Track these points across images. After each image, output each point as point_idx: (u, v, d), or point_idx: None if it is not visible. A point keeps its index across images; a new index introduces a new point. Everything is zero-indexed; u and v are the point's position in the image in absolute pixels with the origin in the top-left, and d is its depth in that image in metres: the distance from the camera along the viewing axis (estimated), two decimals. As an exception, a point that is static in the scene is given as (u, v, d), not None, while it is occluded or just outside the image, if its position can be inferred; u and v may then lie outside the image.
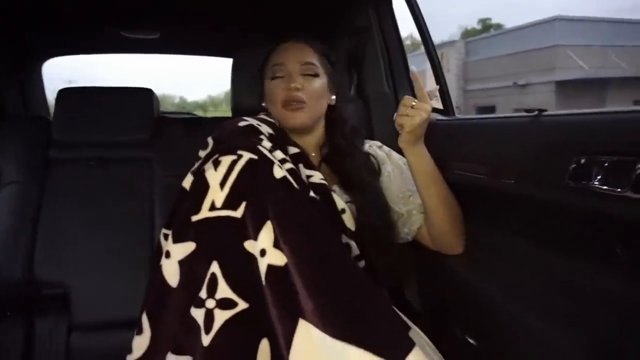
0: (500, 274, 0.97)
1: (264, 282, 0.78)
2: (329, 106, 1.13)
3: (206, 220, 0.82)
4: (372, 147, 1.17)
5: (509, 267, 0.98)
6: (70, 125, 1.51)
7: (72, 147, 1.51)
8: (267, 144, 0.94)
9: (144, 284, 0.92)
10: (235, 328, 0.77)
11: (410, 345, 0.73)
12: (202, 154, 0.97)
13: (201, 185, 0.85)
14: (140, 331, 0.86)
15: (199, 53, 2.29)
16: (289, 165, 0.93)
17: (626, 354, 0.67)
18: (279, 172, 0.85)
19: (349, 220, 1.01)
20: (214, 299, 0.78)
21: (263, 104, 1.13)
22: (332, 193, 1.02)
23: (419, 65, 1.57)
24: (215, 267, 0.79)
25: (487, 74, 13.27)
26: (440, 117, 1.38)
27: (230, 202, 0.82)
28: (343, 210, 1.01)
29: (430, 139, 1.03)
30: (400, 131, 0.99)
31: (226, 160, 0.85)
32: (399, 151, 1.08)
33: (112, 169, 1.50)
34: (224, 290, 0.78)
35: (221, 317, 0.77)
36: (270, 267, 0.78)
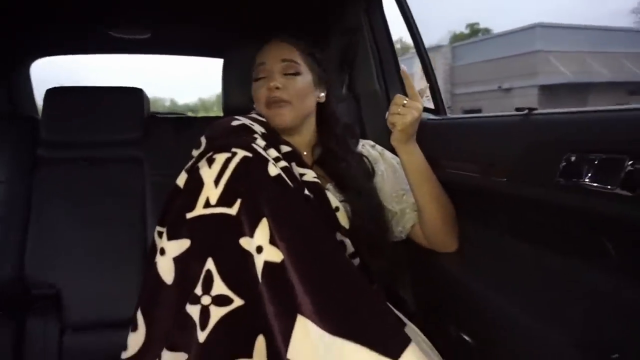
0: (493, 272, 0.98)
1: (260, 279, 0.78)
2: (320, 104, 1.12)
3: (201, 217, 0.82)
4: (365, 146, 1.18)
5: (501, 265, 0.99)
6: (59, 124, 1.49)
7: (61, 147, 1.50)
8: (261, 142, 0.94)
9: (135, 283, 0.91)
10: (230, 324, 0.77)
11: (406, 341, 0.73)
12: (195, 152, 0.97)
13: (195, 183, 0.85)
14: (135, 328, 0.85)
15: (190, 53, 2.27)
16: (283, 163, 0.94)
17: (617, 350, 0.68)
18: (273, 170, 0.86)
19: (343, 218, 1.02)
20: (210, 295, 0.78)
21: (255, 105, 1.12)
22: (326, 191, 1.02)
23: (408, 69, 1.58)
24: (210, 264, 0.79)
25: (472, 78, 13.47)
26: (431, 116, 1.39)
27: (225, 199, 0.82)
28: (337, 209, 1.01)
29: (421, 138, 1.03)
30: (392, 129, 0.99)
31: (220, 157, 0.85)
32: (392, 150, 1.08)
33: (102, 169, 1.49)
34: (219, 287, 0.78)
35: (217, 313, 0.77)
36: (267, 264, 0.78)
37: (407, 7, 1.43)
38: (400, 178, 1.11)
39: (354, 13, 1.56)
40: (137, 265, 1.37)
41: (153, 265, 0.85)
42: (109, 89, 1.62)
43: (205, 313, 0.78)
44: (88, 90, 1.59)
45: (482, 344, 0.93)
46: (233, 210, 0.81)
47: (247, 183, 0.83)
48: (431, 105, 1.40)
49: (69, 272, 1.38)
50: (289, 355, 0.75)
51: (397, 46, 1.61)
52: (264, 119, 1.08)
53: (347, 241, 1.00)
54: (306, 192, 0.95)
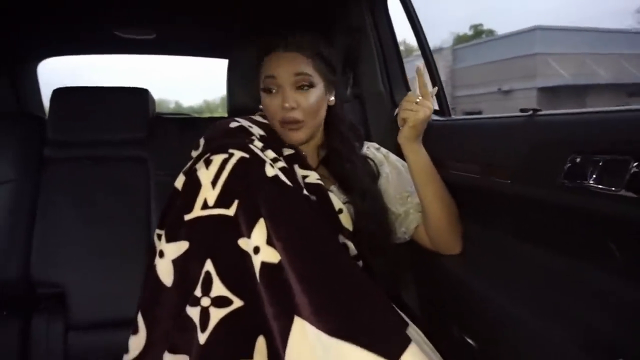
0: (496, 274, 0.98)
1: (258, 280, 0.78)
2: (328, 107, 1.10)
3: (199, 219, 0.82)
4: (370, 148, 1.17)
5: (504, 267, 0.98)
6: (65, 124, 1.50)
7: (67, 146, 1.50)
8: (258, 143, 0.94)
9: (140, 283, 0.92)
10: (231, 326, 0.77)
11: (406, 342, 0.73)
12: (194, 154, 0.97)
13: (193, 184, 0.85)
14: (136, 331, 0.85)
15: (195, 54, 2.28)
16: (281, 164, 0.93)
17: (622, 352, 0.67)
18: (270, 171, 0.86)
19: (346, 220, 1.01)
20: (209, 297, 0.78)
21: (261, 106, 1.09)
22: (330, 193, 1.02)
23: (409, 72, 1.59)
24: (209, 266, 0.79)
25: (473, 80, 13.51)
26: (436, 117, 1.39)
27: (223, 201, 0.82)
28: (340, 210, 1.01)
29: (426, 139, 1.03)
30: (402, 126, 0.99)
31: (218, 159, 0.86)
32: (397, 152, 1.08)
33: (107, 168, 1.50)
34: (218, 288, 0.78)
35: (216, 315, 0.77)
36: (264, 265, 0.78)
37: (412, 6, 1.42)
38: (404, 180, 1.11)
39: (358, 12, 1.55)
40: (142, 265, 1.35)
41: (152, 268, 0.85)
42: (114, 89, 1.62)
43: (205, 314, 0.78)
44: (94, 90, 1.59)
45: (485, 345, 0.92)
46: (231, 211, 0.81)
47: (244, 184, 0.83)
48: (436, 107, 1.41)
49: (74, 271, 1.38)
50: (287, 357, 0.75)
51: (401, 48, 1.61)
52: (265, 121, 1.07)
53: (350, 244, 0.99)
54: (307, 193, 0.94)
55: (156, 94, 1.68)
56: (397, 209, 1.09)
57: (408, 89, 1.55)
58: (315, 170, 1.04)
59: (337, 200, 1.02)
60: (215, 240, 0.81)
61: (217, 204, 0.82)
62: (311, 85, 1.02)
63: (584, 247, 0.82)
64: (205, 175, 0.84)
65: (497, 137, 1.08)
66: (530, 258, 0.93)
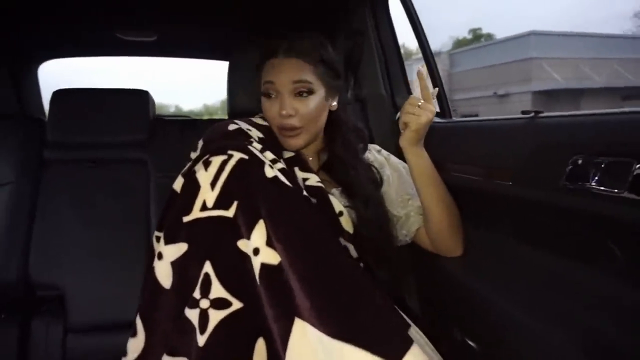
0: (499, 276, 0.97)
1: (258, 281, 0.78)
2: (330, 111, 1.09)
3: (198, 220, 0.82)
4: (372, 151, 1.16)
5: (506, 269, 0.98)
6: (65, 125, 1.50)
7: (67, 148, 1.50)
8: (257, 145, 0.93)
9: (140, 286, 0.91)
10: (230, 328, 0.77)
11: (408, 343, 0.72)
12: (193, 155, 0.96)
13: (192, 186, 0.84)
14: (134, 333, 0.85)
15: (196, 56, 2.28)
16: (280, 165, 0.92)
17: (623, 355, 0.68)
18: (270, 172, 0.85)
19: (346, 223, 1.00)
20: (208, 299, 0.78)
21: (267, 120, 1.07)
22: (330, 196, 1.01)
23: (409, 76, 1.59)
24: (208, 267, 0.79)
25: (469, 84, 13.64)
26: (437, 119, 1.39)
27: (222, 202, 0.81)
28: (340, 213, 1.00)
29: (428, 141, 1.03)
30: (404, 130, 0.98)
31: (217, 160, 0.85)
32: (398, 155, 1.08)
33: (107, 170, 1.50)
34: (218, 290, 0.78)
35: (216, 317, 0.77)
36: (264, 266, 0.77)
37: (413, 8, 1.42)
38: (406, 183, 1.10)
39: (360, 14, 1.55)
40: (142, 267, 1.35)
41: (151, 270, 0.85)
42: (114, 90, 1.62)
43: (204, 317, 0.77)
44: (94, 92, 1.59)
45: (486, 348, 0.92)
46: (230, 213, 0.81)
47: (243, 185, 0.82)
48: (437, 108, 1.40)
49: (73, 273, 1.38)
50: (287, 359, 0.74)
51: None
52: (264, 123, 1.06)
53: (351, 246, 0.99)
54: (307, 194, 0.94)
55: (156, 98, 1.68)
56: (398, 211, 1.09)
57: (409, 92, 1.55)
58: (316, 173, 1.03)
59: (337, 203, 1.01)
60: (215, 242, 0.81)
61: (217, 206, 0.81)
62: (310, 92, 1.01)
63: (586, 249, 0.82)
64: (204, 176, 0.84)
65: (499, 139, 1.07)
66: (532, 260, 0.93)
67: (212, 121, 1.75)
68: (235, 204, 0.81)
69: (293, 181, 0.91)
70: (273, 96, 1.02)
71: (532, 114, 0.95)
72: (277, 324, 0.76)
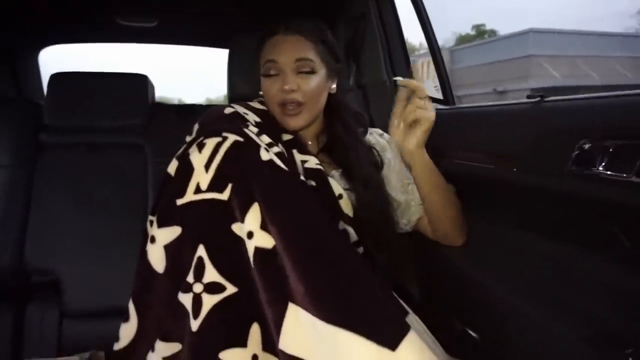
0: (500, 265, 0.96)
1: (252, 265, 0.76)
2: (329, 94, 1.07)
3: (191, 203, 0.80)
4: (373, 134, 1.15)
5: (509, 258, 0.96)
6: (63, 109, 1.48)
7: (63, 132, 1.48)
8: (253, 129, 0.92)
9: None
10: (224, 312, 0.75)
11: (405, 329, 0.70)
12: (189, 139, 0.94)
13: (186, 169, 0.82)
14: (127, 318, 0.83)
15: (196, 43, 2.26)
16: (276, 149, 0.91)
17: (630, 344, 0.65)
18: (265, 155, 0.83)
19: (346, 206, 0.99)
20: (202, 283, 0.76)
21: (260, 92, 1.06)
22: (330, 178, 0.99)
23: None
24: (202, 251, 0.77)
25: (469, 80, 13.72)
26: (440, 106, 1.36)
27: (216, 185, 0.79)
28: (340, 196, 0.98)
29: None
30: (415, 128, 0.95)
31: (211, 142, 0.83)
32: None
33: (104, 155, 1.48)
34: (211, 274, 0.76)
35: (209, 301, 0.75)
36: (258, 250, 0.76)
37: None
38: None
39: (362, -2, 1.52)
40: (137, 253, 1.37)
41: (144, 254, 0.83)
42: (113, 74, 1.60)
43: (197, 301, 0.75)
44: (92, 75, 1.58)
45: (487, 337, 0.90)
46: (224, 196, 0.79)
47: (238, 167, 0.80)
48: (441, 96, 1.38)
49: (69, 259, 1.37)
50: (281, 345, 0.73)
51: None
52: (262, 107, 1.04)
53: (351, 230, 0.97)
54: (306, 178, 0.92)
55: (159, 92, 1.67)
56: (398, 197, 1.07)
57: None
58: (315, 156, 1.02)
59: (337, 185, 0.99)
60: (208, 225, 0.79)
61: (210, 188, 0.79)
62: (313, 72, 1.00)
63: (591, 237, 0.80)
64: (198, 159, 0.82)
65: (503, 124, 1.05)
66: (536, 248, 0.91)
67: (210, 107, 1.74)
68: (229, 186, 0.79)
69: (290, 165, 0.89)
70: (274, 74, 1.00)
71: (538, 98, 0.93)
72: (271, 308, 0.74)
